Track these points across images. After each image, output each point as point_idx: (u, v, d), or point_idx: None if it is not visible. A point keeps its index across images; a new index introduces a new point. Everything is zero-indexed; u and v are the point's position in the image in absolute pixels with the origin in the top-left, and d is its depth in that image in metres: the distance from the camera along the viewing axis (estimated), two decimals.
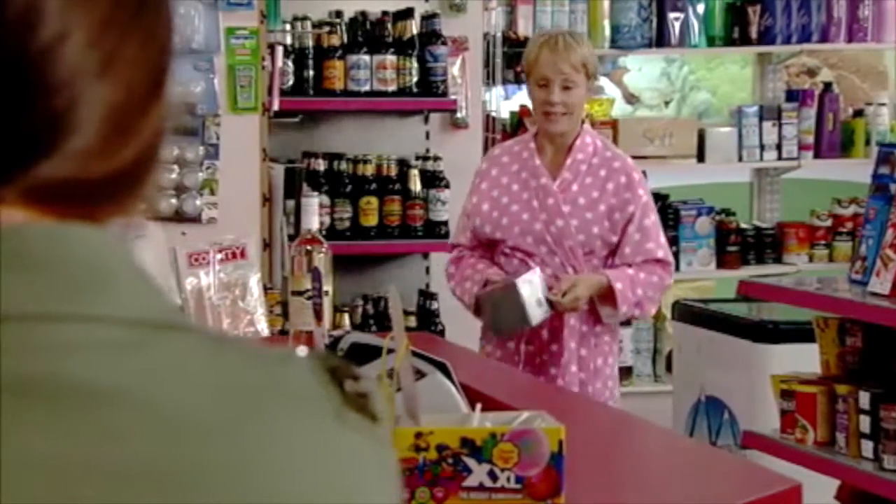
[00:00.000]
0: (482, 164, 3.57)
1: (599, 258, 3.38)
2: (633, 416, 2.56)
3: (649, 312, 3.58)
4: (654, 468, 2.02)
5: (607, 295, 3.29)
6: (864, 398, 3.00)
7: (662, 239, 3.41)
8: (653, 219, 3.41)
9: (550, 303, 3.24)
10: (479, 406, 1.91)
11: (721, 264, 5.39)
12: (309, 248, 2.67)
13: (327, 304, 2.58)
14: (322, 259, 2.65)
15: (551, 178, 3.40)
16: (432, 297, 4.56)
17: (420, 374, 2.28)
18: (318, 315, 2.51)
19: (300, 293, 2.61)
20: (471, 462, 1.76)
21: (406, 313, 4.52)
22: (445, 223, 4.46)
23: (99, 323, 0.64)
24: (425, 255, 4.65)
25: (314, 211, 2.71)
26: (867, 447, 3.00)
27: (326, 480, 0.65)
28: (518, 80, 5.34)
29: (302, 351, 0.71)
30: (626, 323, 4.48)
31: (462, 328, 4.55)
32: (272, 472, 0.64)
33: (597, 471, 2.00)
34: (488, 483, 1.77)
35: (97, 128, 0.66)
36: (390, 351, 1.83)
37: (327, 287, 2.59)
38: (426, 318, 4.52)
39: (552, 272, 3.33)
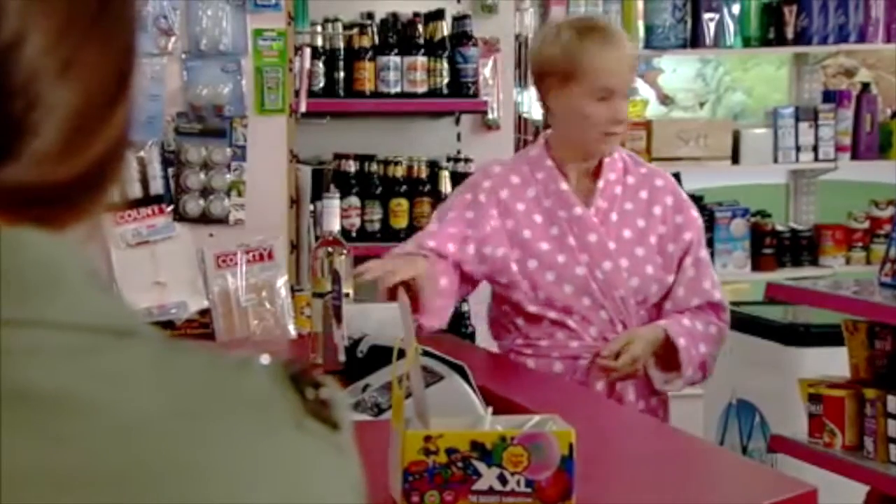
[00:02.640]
0: (481, 181, 2.74)
1: (650, 308, 2.69)
2: (648, 418, 2.54)
3: (709, 376, 2.80)
4: (667, 471, 2.01)
5: (662, 355, 2.64)
6: (893, 402, 2.97)
7: (716, 276, 2.75)
8: (706, 250, 2.77)
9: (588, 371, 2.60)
10: (489, 409, 1.90)
11: (756, 266, 5.35)
12: (330, 249, 2.68)
13: (348, 305, 2.58)
14: (342, 261, 2.65)
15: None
16: (463, 299, 4.55)
17: (437, 377, 2.27)
18: (338, 317, 2.51)
19: (321, 295, 2.61)
20: (480, 466, 1.76)
21: None
22: None
23: (50, 328, 0.64)
24: None
25: (335, 213, 2.71)
26: (895, 452, 2.96)
27: (280, 487, 0.65)
28: None
29: (264, 358, 0.70)
30: None
31: None
32: (222, 478, 0.63)
33: (609, 474, 1.99)
34: (498, 487, 1.76)
35: (57, 131, 0.66)
36: (401, 354, 1.83)
37: (347, 289, 2.59)
38: (456, 321, 4.51)
39: (598, 332, 2.66)
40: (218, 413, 0.65)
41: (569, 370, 2.71)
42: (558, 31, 2.69)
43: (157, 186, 3.40)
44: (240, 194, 3.44)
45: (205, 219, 3.42)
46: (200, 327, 3.29)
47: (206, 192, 3.43)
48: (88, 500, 0.60)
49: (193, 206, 3.42)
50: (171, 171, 3.42)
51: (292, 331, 3.30)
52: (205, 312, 3.31)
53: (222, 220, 3.43)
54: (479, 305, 4.53)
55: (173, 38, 3.43)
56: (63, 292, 0.65)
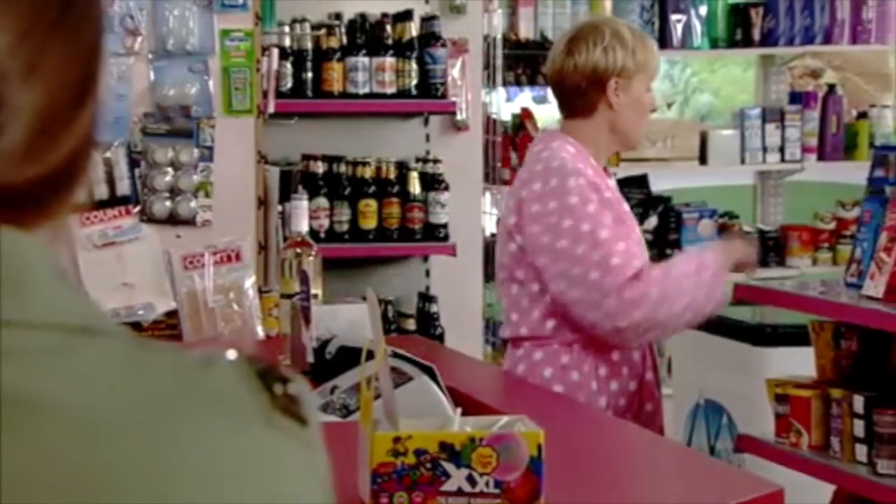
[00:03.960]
0: (576, 181, 2.85)
1: None
2: (617, 420, 2.55)
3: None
4: (635, 472, 2.01)
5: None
6: (858, 402, 2.99)
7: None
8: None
9: None
10: (458, 410, 1.90)
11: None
12: (298, 251, 2.67)
13: (316, 306, 2.57)
14: (311, 262, 2.65)
15: None
16: (431, 300, 4.55)
17: (406, 378, 2.27)
18: (307, 318, 2.50)
19: (289, 296, 2.61)
20: (449, 467, 1.76)
21: (405, 316, 4.51)
22: (445, 226, 4.45)
23: (20, 328, 0.63)
24: (425, 258, 4.64)
25: (304, 214, 2.71)
26: (861, 451, 2.98)
27: (249, 484, 0.65)
28: (518, 83, 5.33)
29: (231, 354, 0.70)
30: None
31: (461, 331, 4.54)
32: (192, 476, 0.63)
33: (578, 475, 1.99)
34: (467, 488, 1.76)
35: (23, 132, 0.65)
36: (370, 355, 1.83)
37: (316, 290, 2.59)
38: (425, 322, 4.52)
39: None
40: (186, 411, 0.65)
41: (626, 361, 2.91)
42: (612, 34, 2.96)
43: (123, 187, 3.38)
44: (207, 195, 3.43)
45: (172, 220, 3.41)
46: (168, 329, 3.28)
47: (173, 193, 3.41)
48: (58, 501, 0.60)
49: (160, 207, 3.40)
50: (137, 171, 3.40)
51: (260, 332, 3.29)
52: (172, 314, 3.30)
53: (190, 222, 3.41)
54: (447, 306, 4.54)
55: (140, 38, 3.41)
56: (32, 292, 0.65)
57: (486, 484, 1.75)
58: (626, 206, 2.99)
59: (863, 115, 5.63)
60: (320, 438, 0.69)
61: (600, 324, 2.76)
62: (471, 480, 1.75)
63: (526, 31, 5.34)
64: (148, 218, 3.39)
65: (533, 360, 2.87)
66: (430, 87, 4.42)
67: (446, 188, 4.45)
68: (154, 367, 0.66)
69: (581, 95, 2.97)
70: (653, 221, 5.35)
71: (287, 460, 0.67)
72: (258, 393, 0.67)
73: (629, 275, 2.75)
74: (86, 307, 0.67)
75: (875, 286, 2.90)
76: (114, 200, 3.36)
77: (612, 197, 2.90)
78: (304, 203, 2.73)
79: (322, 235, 4.29)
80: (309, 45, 4.38)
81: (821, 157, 5.52)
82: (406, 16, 4.45)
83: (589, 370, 2.85)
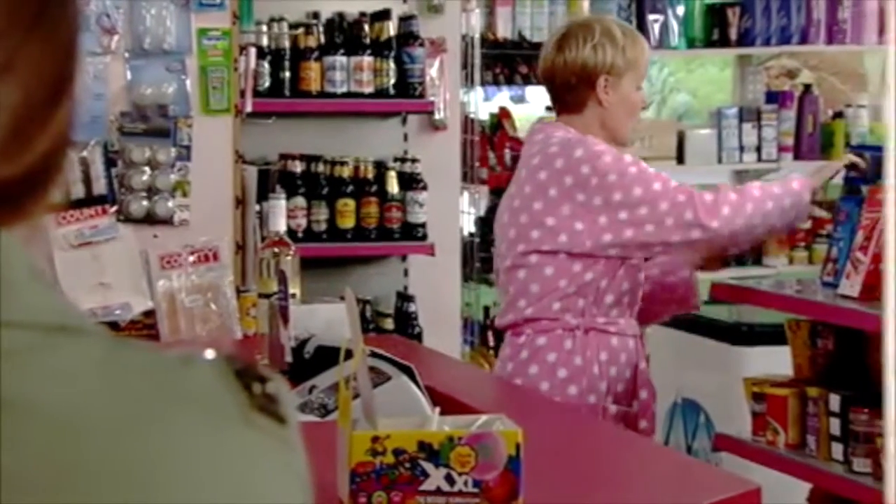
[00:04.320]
0: (599, 145, 2.98)
1: None
2: (595, 419, 2.56)
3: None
4: (613, 471, 2.02)
5: None
6: (835, 401, 3.00)
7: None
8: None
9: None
10: (437, 409, 1.90)
11: (700, 266, 5.38)
12: (276, 250, 2.67)
13: (294, 306, 2.57)
14: (289, 262, 2.64)
15: None
16: (410, 299, 4.55)
17: (385, 378, 2.27)
18: (285, 318, 2.50)
19: (267, 296, 2.60)
20: (428, 466, 1.76)
21: (383, 316, 4.51)
22: (423, 225, 4.45)
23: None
24: (403, 258, 4.64)
25: (281, 213, 2.71)
26: (837, 450, 2.99)
27: (228, 483, 0.65)
28: (496, 82, 5.34)
29: (209, 353, 0.70)
30: None
31: (439, 331, 4.54)
32: (170, 476, 0.63)
33: (556, 474, 1.99)
34: (445, 487, 1.76)
35: None
36: (349, 355, 1.83)
37: (294, 290, 2.58)
38: (403, 321, 4.51)
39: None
40: (165, 410, 0.64)
41: (624, 348, 2.98)
42: (602, 32, 3.00)
43: (100, 187, 3.37)
44: (185, 195, 3.41)
45: (149, 219, 3.40)
46: (145, 328, 3.27)
47: (150, 192, 3.40)
48: (37, 500, 0.60)
49: (137, 206, 3.39)
50: (114, 171, 3.39)
51: (238, 332, 3.29)
52: (149, 314, 3.29)
53: (167, 221, 3.40)
54: (425, 305, 4.53)
55: (116, 37, 3.39)
56: (9, 291, 0.64)
57: (465, 483, 1.75)
58: None
59: (839, 115, 5.66)
60: (299, 437, 0.69)
61: (696, 237, 2.89)
62: (449, 480, 1.75)
63: (504, 31, 5.34)
64: (125, 217, 3.37)
65: (536, 345, 2.93)
66: (408, 87, 4.42)
67: (424, 188, 4.45)
68: (133, 367, 0.66)
69: (571, 92, 3.01)
70: None
71: (266, 459, 0.67)
72: (236, 392, 0.67)
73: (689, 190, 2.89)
74: (63, 306, 0.67)
75: (851, 285, 2.91)
76: (90, 200, 3.34)
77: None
78: (282, 202, 2.73)
79: (300, 235, 4.29)
80: (287, 44, 4.37)
81: (797, 157, 5.54)
82: (384, 15, 4.45)
83: (591, 355, 2.91)
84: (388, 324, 4.47)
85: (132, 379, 0.65)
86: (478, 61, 4.91)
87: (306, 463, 0.69)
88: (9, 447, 0.60)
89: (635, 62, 2.99)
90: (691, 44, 5.48)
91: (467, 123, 4.89)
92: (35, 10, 0.67)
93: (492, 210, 5.19)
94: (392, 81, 4.40)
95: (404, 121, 4.65)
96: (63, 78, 0.68)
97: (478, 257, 4.93)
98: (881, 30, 5.57)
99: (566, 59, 2.99)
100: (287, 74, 4.35)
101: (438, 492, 1.76)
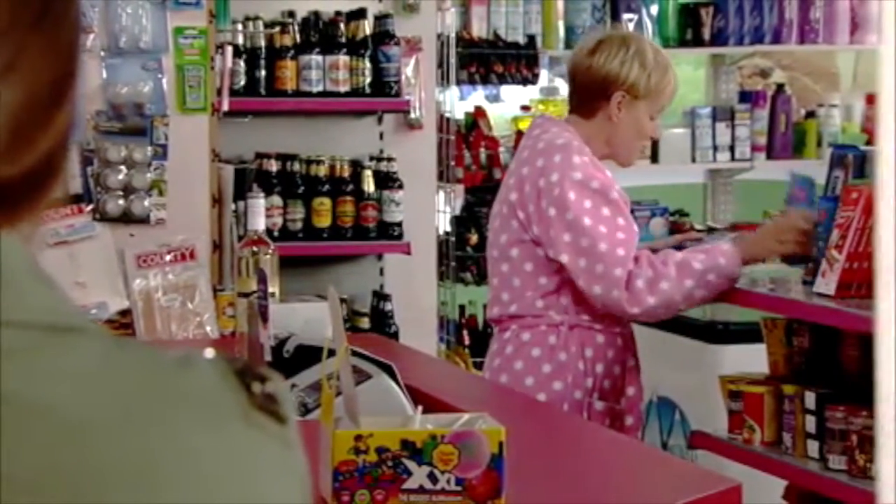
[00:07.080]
0: (580, 158, 2.95)
1: None
2: (577, 417, 2.57)
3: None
4: (596, 469, 2.03)
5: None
6: (810, 398, 3.02)
7: None
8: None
9: None
10: (419, 408, 1.90)
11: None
12: (255, 249, 2.66)
13: (274, 305, 2.56)
14: (268, 260, 2.64)
15: None
16: (386, 298, 4.55)
17: (365, 376, 2.27)
18: (265, 317, 2.49)
19: (246, 295, 2.60)
20: (411, 464, 1.76)
21: (359, 315, 4.51)
22: (399, 224, 4.45)
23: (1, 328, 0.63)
24: (379, 257, 4.64)
25: (260, 212, 2.70)
26: (813, 447, 3.01)
27: (228, 481, 0.65)
28: (472, 81, 5.34)
29: (209, 353, 0.70)
30: None
31: (415, 329, 4.54)
32: (169, 474, 0.63)
33: (538, 472, 2.00)
34: (428, 485, 1.76)
35: (1, 131, 0.65)
36: (331, 353, 1.83)
37: (273, 289, 2.58)
38: (380, 320, 4.51)
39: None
40: (165, 410, 0.65)
41: (611, 345, 3.04)
42: (636, 51, 3.00)
43: (76, 186, 3.36)
44: (161, 193, 3.41)
45: (125, 218, 3.39)
46: (121, 328, 3.26)
47: (126, 191, 3.39)
48: (38, 500, 0.60)
49: (114, 205, 3.38)
50: (90, 169, 3.37)
51: (215, 331, 3.28)
52: (126, 313, 3.28)
53: (143, 220, 3.39)
54: (401, 304, 4.54)
55: (92, 36, 3.38)
56: (11, 290, 0.64)
57: (448, 481, 1.76)
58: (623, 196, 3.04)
59: (811, 115, 5.69)
60: (298, 436, 0.70)
61: (611, 305, 2.89)
62: (432, 478, 1.76)
63: (479, 30, 5.35)
64: (101, 216, 3.36)
65: (521, 340, 2.96)
66: (383, 86, 4.42)
67: (400, 186, 4.46)
68: (133, 366, 0.66)
69: (587, 96, 3.03)
70: None
71: (266, 458, 0.67)
72: (237, 391, 0.67)
73: (632, 258, 2.88)
74: (64, 306, 0.67)
75: (826, 283, 2.93)
76: (66, 199, 3.33)
77: (609, 184, 2.98)
78: (261, 201, 2.73)
79: (276, 234, 4.28)
80: (262, 43, 4.36)
81: (770, 156, 5.58)
82: (360, 14, 4.45)
83: (576, 351, 2.94)
84: (365, 323, 4.47)
85: (133, 378, 0.65)
86: (453, 60, 4.91)
87: (306, 462, 0.70)
88: (9, 447, 0.60)
89: (657, 90, 2.99)
90: (665, 43, 5.49)
91: (443, 122, 4.90)
92: (38, 11, 0.67)
93: (467, 209, 5.20)
94: (368, 80, 4.40)
95: (380, 120, 4.65)
96: (65, 79, 0.69)
97: (453, 256, 4.93)
98: (853, 29, 5.61)
99: (593, 63, 3.01)
100: (263, 73, 4.34)
101: (421, 490, 1.76)
